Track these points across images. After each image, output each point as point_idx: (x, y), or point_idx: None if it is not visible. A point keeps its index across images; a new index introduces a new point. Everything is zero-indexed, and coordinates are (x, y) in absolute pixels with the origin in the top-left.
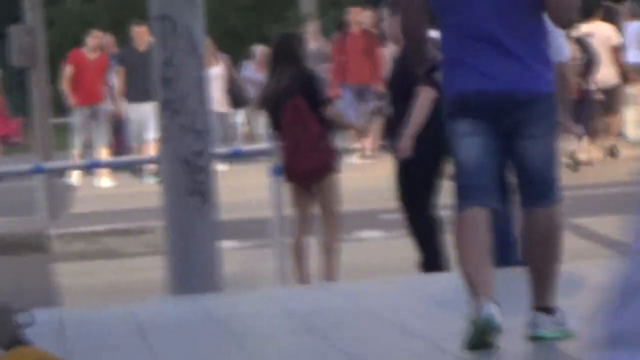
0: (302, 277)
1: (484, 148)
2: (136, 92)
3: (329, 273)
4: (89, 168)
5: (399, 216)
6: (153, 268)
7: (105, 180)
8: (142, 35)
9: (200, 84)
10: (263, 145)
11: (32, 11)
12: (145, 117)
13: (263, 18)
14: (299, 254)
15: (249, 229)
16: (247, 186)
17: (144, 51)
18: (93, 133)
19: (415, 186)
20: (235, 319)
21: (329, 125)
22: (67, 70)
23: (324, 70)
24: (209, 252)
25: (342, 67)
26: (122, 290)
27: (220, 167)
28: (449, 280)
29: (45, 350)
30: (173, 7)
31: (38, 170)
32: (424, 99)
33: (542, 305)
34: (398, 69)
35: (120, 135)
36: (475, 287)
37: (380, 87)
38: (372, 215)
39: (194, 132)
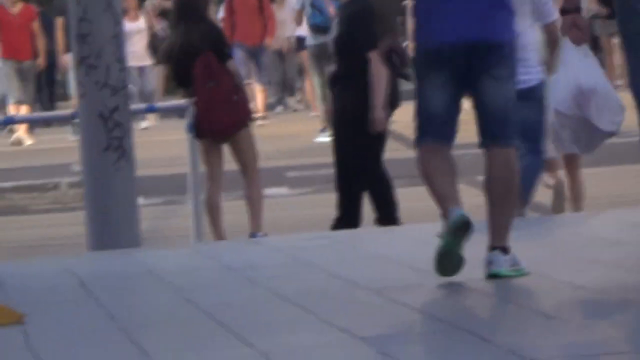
0: (217, 234)
1: (447, 94)
2: None
3: (254, 226)
4: (5, 124)
5: (305, 173)
6: (60, 224)
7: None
8: None
9: (116, 40)
10: (180, 101)
11: None
12: None
13: None
14: (212, 211)
15: (166, 186)
16: (166, 142)
17: None
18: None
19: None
20: (174, 273)
21: (239, 81)
22: None
23: None
24: (126, 208)
25: (233, 27)
26: (32, 247)
27: (144, 123)
28: (384, 235)
29: None
30: None
31: None
32: (379, 67)
33: (498, 244)
34: (343, 28)
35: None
36: (443, 202)
37: (272, 45)
38: (278, 173)
39: (110, 87)
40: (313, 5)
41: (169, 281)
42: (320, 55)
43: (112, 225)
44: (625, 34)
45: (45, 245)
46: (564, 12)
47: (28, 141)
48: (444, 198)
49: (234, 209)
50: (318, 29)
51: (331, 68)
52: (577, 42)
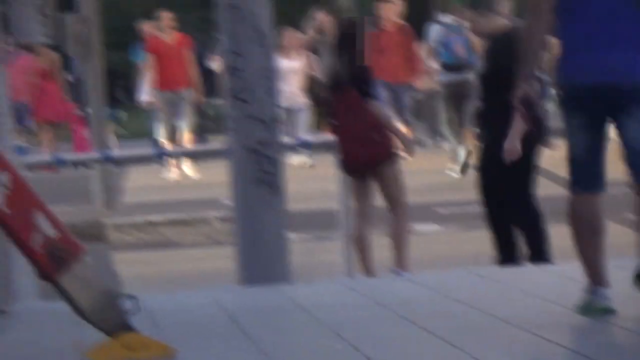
0: (367, 270)
1: (595, 137)
2: None
3: (399, 265)
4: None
5: (454, 210)
6: (210, 258)
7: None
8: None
9: (268, 74)
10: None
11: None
12: None
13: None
14: (361, 247)
15: (317, 221)
16: (318, 177)
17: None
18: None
19: (512, 177)
20: (323, 308)
21: (384, 119)
22: (150, 57)
23: None
24: (277, 243)
25: (377, 65)
26: (182, 281)
27: (297, 158)
28: (537, 273)
29: (149, 337)
30: None
31: (105, 159)
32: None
33: None
34: (491, 62)
35: None
36: (588, 270)
37: (418, 84)
38: (428, 209)
39: (261, 121)
40: (443, 44)
41: (319, 316)
42: (449, 93)
43: (262, 260)
44: None
45: (196, 279)
46: None
47: (191, 174)
48: (590, 268)
49: (385, 245)
50: (447, 67)
51: (476, 104)
52: None
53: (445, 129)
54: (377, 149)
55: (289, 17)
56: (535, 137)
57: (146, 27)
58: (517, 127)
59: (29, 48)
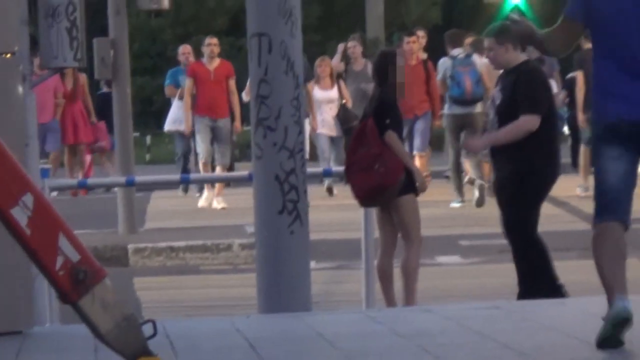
0: (389, 300)
1: (626, 170)
2: None
3: (405, 298)
4: (182, 183)
5: (476, 242)
6: (232, 285)
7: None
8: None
9: (295, 103)
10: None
11: (117, 23)
12: None
13: (327, 39)
14: (383, 277)
15: (340, 250)
16: (342, 206)
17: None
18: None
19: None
20: (343, 337)
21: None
22: (188, 82)
23: (368, 91)
24: (299, 271)
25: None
26: (203, 307)
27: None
28: (555, 307)
29: None
30: (270, 24)
31: (129, 183)
32: (524, 125)
33: None
34: (507, 95)
35: None
36: (609, 289)
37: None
38: (451, 241)
39: (287, 150)
40: (452, 77)
41: (339, 346)
42: (456, 126)
43: (283, 288)
44: None
45: (216, 306)
46: None
47: (220, 204)
48: (611, 286)
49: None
50: (456, 100)
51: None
52: None
53: (453, 161)
54: (379, 180)
55: (320, 46)
56: (545, 172)
57: (184, 50)
58: (497, 138)
59: (57, 70)
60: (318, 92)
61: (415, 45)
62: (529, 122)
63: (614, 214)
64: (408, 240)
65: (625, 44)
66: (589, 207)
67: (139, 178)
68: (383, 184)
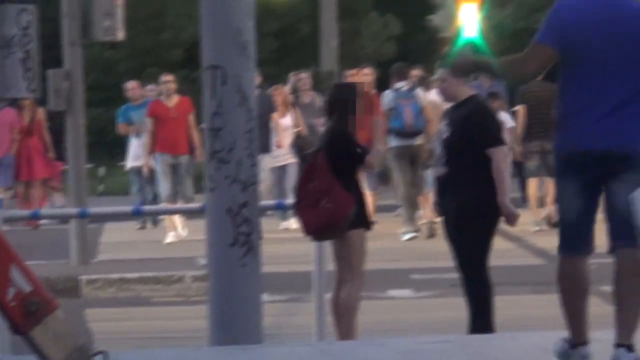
0: (340, 333)
1: (589, 203)
2: None
3: (346, 332)
4: (135, 214)
5: (428, 276)
6: (183, 317)
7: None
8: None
9: (249, 135)
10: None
11: (72, 55)
12: None
13: (282, 72)
14: (335, 309)
15: (291, 283)
16: (294, 239)
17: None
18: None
19: (471, 246)
20: None
21: (348, 181)
22: (149, 123)
23: (318, 124)
24: (250, 304)
25: None
26: (154, 339)
27: (285, 223)
28: (507, 341)
29: None
30: (224, 57)
31: (82, 215)
32: (501, 159)
33: (624, 342)
34: (456, 129)
35: None
36: (571, 329)
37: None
38: (402, 275)
39: (240, 183)
40: (394, 110)
41: None
42: (400, 158)
43: (235, 320)
44: None
45: (168, 338)
46: None
47: (183, 233)
48: (572, 327)
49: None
50: (397, 133)
51: (440, 170)
52: None
53: (403, 193)
54: (327, 217)
55: (275, 79)
56: (493, 207)
57: (132, 86)
58: (506, 190)
59: (13, 103)
60: (279, 121)
61: (362, 79)
62: (501, 154)
63: (577, 248)
64: (350, 275)
65: (596, 76)
66: (541, 241)
67: (92, 209)
68: (331, 221)
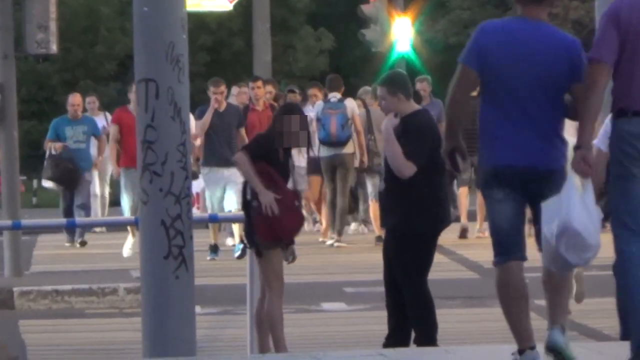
0: (262, 346)
1: (514, 211)
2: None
3: (274, 346)
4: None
5: (361, 289)
6: (117, 329)
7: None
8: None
9: (182, 148)
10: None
11: (5, 68)
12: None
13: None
14: (259, 323)
15: (225, 295)
16: (227, 251)
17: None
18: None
19: (407, 262)
20: None
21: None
22: (113, 130)
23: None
24: (184, 316)
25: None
26: (87, 351)
27: (230, 240)
28: (440, 355)
29: None
30: (157, 70)
31: (16, 227)
32: (404, 170)
33: (557, 322)
34: (401, 139)
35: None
36: (517, 336)
37: None
38: (336, 288)
39: (173, 195)
40: (320, 120)
41: None
42: (327, 167)
43: (168, 333)
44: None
45: (101, 350)
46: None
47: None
48: (518, 334)
49: (293, 322)
50: (323, 143)
51: (381, 185)
52: (584, 175)
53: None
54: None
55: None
56: (428, 221)
57: (74, 101)
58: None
59: None
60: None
61: (260, 90)
62: (406, 168)
63: (510, 254)
64: (268, 289)
65: (516, 95)
66: (473, 255)
67: (25, 222)
68: (262, 233)
